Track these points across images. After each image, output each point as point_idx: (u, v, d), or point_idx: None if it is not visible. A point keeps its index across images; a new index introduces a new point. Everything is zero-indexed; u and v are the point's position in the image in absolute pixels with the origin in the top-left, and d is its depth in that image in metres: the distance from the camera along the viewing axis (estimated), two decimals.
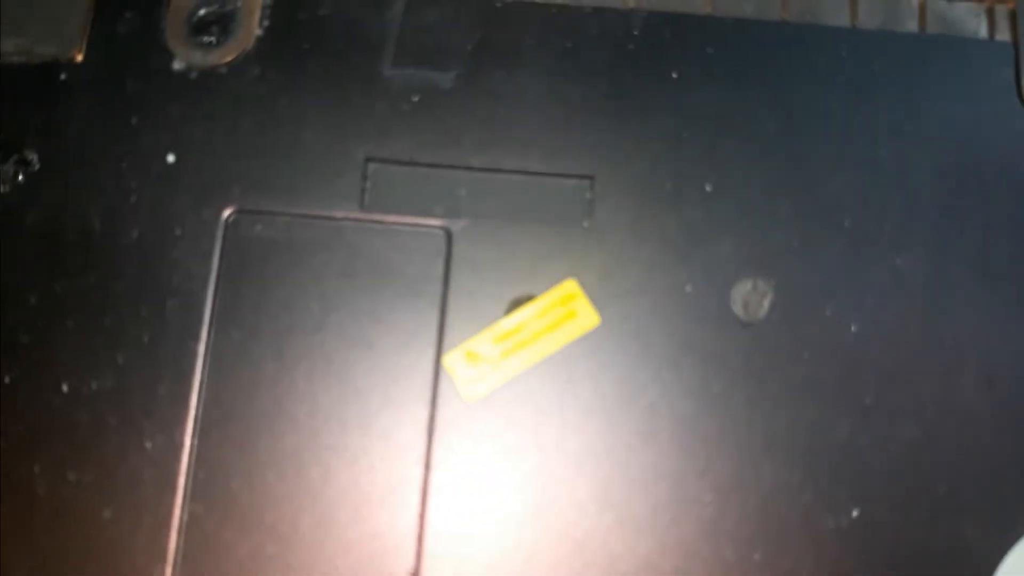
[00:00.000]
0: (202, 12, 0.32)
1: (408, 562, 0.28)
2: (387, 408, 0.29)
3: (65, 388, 0.29)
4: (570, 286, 0.29)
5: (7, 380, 0.29)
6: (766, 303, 0.29)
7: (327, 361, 0.29)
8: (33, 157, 0.31)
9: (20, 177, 0.31)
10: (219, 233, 0.30)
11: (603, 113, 0.31)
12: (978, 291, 0.29)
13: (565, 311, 0.29)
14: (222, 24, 0.32)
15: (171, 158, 0.31)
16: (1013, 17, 0.32)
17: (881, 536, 0.28)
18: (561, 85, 0.31)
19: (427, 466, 0.28)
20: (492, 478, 0.28)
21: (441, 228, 0.30)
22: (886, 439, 0.28)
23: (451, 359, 0.29)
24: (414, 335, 0.29)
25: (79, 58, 0.32)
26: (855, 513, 0.28)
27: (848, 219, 0.30)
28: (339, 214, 0.30)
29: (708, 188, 0.30)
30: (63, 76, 0.31)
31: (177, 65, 0.31)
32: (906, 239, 0.30)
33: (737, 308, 0.29)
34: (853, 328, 0.29)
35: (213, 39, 0.31)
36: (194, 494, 0.28)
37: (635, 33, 0.31)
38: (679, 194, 0.30)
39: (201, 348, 0.29)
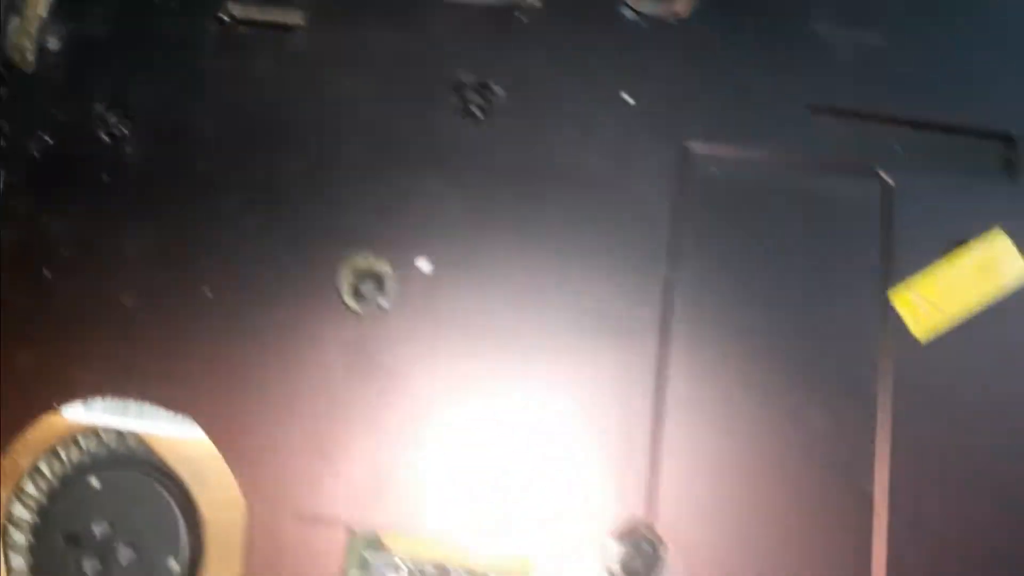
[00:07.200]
0: None
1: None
2: (839, 338, 0.31)
3: None
4: (999, 238, 0.32)
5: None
6: None
7: (782, 287, 0.32)
8: (498, 89, 0.34)
9: (487, 107, 0.34)
10: (674, 168, 0.33)
11: None
12: None
13: (996, 260, 0.32)
14: None
15: (628, 98, 0.34)
16: None
17: None
18: None
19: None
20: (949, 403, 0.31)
21: (876, 177, 0.33)
22: None
23: (898, 296, 0.31)
24: (858, 271, 0.32)
25: (537, 3, 0.35)
26: None
27: None
28: (781, 157, 0.33)
29: None
30: (524, 19, 0.34)
31: (629, 14, 0.34)
32: None
33: None
34: None
35: None
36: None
37: None
38: None
39: (662, 268, 0.32)
